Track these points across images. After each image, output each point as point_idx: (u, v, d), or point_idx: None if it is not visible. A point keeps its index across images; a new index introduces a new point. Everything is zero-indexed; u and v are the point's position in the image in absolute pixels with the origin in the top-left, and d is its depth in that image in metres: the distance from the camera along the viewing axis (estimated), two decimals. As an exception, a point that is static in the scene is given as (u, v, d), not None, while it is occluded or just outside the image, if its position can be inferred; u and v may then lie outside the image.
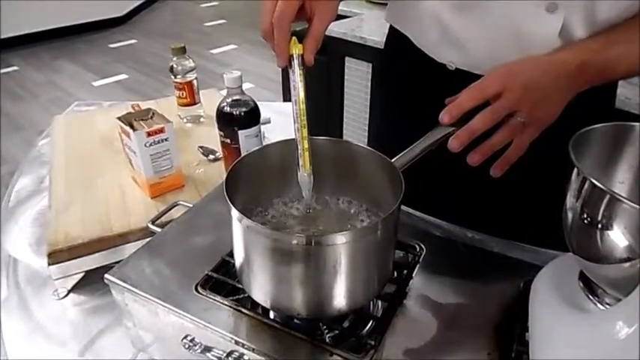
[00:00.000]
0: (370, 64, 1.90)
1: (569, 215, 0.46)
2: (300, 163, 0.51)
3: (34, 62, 4.09)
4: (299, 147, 0.51)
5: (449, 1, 0.65)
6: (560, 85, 0.53)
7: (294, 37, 0.51)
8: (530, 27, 0.60)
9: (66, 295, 0.73)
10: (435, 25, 0.68)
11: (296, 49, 0.51)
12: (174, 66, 1.06)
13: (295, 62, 0.51)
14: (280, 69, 2.71)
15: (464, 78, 0.67)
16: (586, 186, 0.42)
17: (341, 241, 0.42)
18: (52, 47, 4.40)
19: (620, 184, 0.51)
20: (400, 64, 0.79)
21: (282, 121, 1.19)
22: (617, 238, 0.40)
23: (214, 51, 4.39)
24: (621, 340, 0.37)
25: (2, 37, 4.19)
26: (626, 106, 1.24)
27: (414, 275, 0.56)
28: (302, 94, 0.51)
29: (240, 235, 0.46)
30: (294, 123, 0.51)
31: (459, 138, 0.53)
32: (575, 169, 0.43)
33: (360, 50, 1.88)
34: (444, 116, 0.54)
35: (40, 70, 3.96)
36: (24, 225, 0.89)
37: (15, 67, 3.99)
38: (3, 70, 3.92)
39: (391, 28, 0.80)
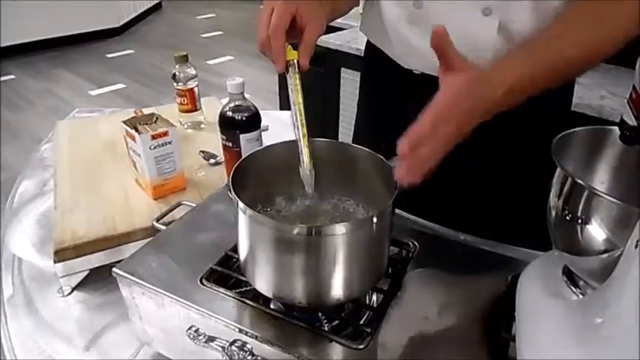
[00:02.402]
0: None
1: (553, 213, 0.49)
2: (302, 159, 0.55)
3: (32, 71, 4.12)
4: (299, 145, 0.55)
5: (404, 16, 0.72)
6: (482, 110, 0.52)
7: (289, 46, 0.56)
8: (471, 30, 0.66)
9: (70, 293, 0.76)
10: (397, 38, 0.75)
11: (292, 56, 0.56)
12: (177, 73, 1.09)
13: (292, 68, 0.56)
14: (277, 80, 2.73)
15: (429, 81, 0.73)
16: (567, 184, 0.45)
17: (340, 231, 0.45)
18: (49, 57, 4.43)
19: (601, 184, 0.54)
20: (377, 70, 0.86)
21: (279, 129, 1.22)
22: (596, 231, 0.43)
23: (211, 62, 4.45)
24: (597, 325, 0.40)
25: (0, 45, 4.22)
26: (611, 117, 1.29)
27: (407, 269, 0.59)
28: (300, 96, 0.56)
29: (245, 227, 0.49)
30: (294, 122, 0.56)
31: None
32: (558, 169, 0.47)
33: (355, 61, 1.93)
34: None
35: (38, 78, 3.98)
36: (27, 226, 0.91)
37: (12, 76, 4.02)
38: (0, 79, 3.94)
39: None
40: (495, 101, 0.53)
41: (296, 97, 0.56)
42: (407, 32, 0.73)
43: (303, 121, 0.56)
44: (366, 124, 0.94)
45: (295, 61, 0.56)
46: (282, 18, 0.55)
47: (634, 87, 0.42)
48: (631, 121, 0.42)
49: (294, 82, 0.56)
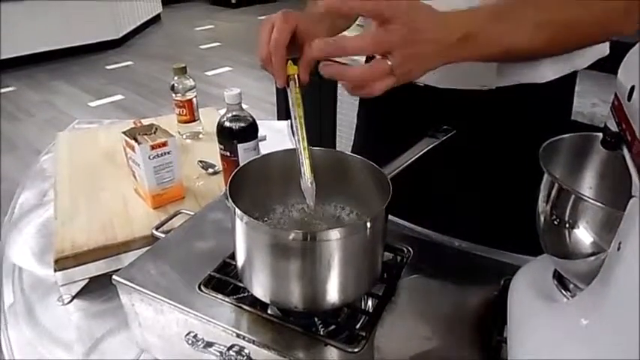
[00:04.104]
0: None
1: (541, 218, 0.50)
2: (303, 172, 0.55)
3: (31, 83, 4.14)
4: (300, 158, 0.56)
5: None
6: (436, 49, 0.52)
7: (289, 61, 0.58)
8: None
9: (70, 301, 0.76)
10: None
11: (292, 71, 0.57)
12: (175, 85, 1.11)
13: (292, 82, 0.57)
14: (275, 91, 2.75)
15: (432, 93, 0.73)
16: (554, 189, 0.47)
17: (335, 237, 0.46)
18: (48, 68, 4.45)
19: (589, 189, 0.55)
20: None
21: (276, 138, 1.24)
22: (583, 235, 0.45)
23: (209, 73, 4.48)
24: (583, 326, 0.41)
25: (-1, 58, 4.26)
26: (602, 124, 1.30)
27: (402, 275, 0.60)
28: (301, 110, 0.57)
29: (242, 234, 0.51)
30: (295, 136, 0.57)
31: (323, 48, 0.51)
32: (545, 175, 0.48)
33: (352, 71, 1.95)
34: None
35: (37, 90, 4.01)
36: (28, 236, 0.92)
37: (11, 88, 4.04)
38: (0, 91, 3.97)
39: None
40: (449, 45, 0.52)
41: (297, 110, 0.57)
42: None
43: (304, 134, 0.56)
44: (367, 137, 0.94)
45: (296, 75, 0.57)
46: (282, 34, 0.56)
47: (616, 94, 0.44)
48: (613, 127, 0.44)
49: (294, 97, 0.57)
